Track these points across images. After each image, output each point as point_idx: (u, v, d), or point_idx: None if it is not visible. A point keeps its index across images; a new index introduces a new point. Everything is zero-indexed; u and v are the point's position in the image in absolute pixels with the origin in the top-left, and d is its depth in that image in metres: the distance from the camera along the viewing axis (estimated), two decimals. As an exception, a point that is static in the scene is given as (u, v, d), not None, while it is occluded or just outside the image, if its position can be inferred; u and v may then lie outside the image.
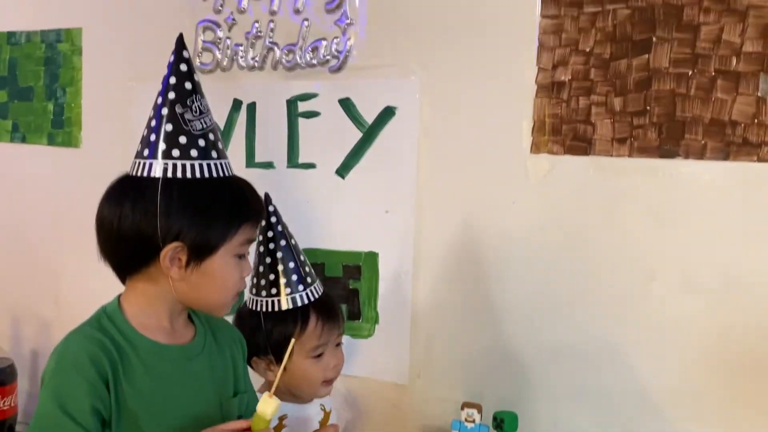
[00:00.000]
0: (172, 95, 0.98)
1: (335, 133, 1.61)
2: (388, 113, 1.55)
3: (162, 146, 0.97)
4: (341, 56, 1.60)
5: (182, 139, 0.96)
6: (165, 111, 0.98)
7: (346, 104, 1.60)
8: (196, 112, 0.99)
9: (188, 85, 0.99)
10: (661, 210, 1.29)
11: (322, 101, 1.63)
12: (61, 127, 2.02)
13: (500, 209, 1.44)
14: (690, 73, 1.25)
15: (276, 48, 1.67)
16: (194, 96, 0.99)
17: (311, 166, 1.65)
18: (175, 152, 0.96)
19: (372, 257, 1.59)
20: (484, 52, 1.44)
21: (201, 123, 0.99)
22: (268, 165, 1.70)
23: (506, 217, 1.44)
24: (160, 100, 0.99)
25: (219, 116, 1.72)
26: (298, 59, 1.64)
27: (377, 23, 1.56)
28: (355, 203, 1.60)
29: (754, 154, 1.21)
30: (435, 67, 1.50)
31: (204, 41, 1.76)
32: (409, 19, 1.52)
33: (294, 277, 1.24)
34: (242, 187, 1.02)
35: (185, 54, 1.01)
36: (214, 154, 0.99)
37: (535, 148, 1.39)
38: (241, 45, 1.71)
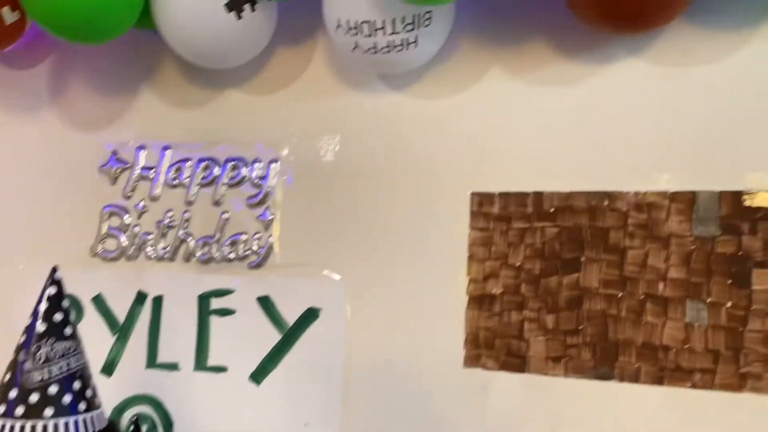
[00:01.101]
0: (23, 338, 0.88)
1: (251, 334, 1.49)
2: (310, 315, 1.46)
3: None
4: (262, 252, 1.51)
5: (12, 394, 0.86)
6: (11, 357, 0.89)
7: (265, 303, 1.49)
8: (40, 359, 0.87)
9: (41, 328, 0.89)
10: (600, 435, 1.24)
11: (239, 299, 1.52)
12: (-75, 311, 1.76)
13: (433, 424, 1.34)
14: (620, 294, 1.26)
15: (190, 239, 1.56)
16: (44, 341, 0.88)
17: (222, 369, 1.50)
18: (2, 408, 0.86)
19: (288, 477, 1.42)
20: (413, 255, 1.41)
21: (43, 373, 0.86)
22: (173, 366, 1.53)
23: (438, 435, 1.34)
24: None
25: (120, 309, 1.57)
26: (215, 253, 1.54)
27: (302, 220, 1.51)
28: (270, 414, 1.45)
29: (687, 380, 1.20)
30: (363, 268, 1.44)
31: (109, 227, 1.63)
32: (336, 219, 1.48)
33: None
34: None
35: (51, 290, 0.91)
36: (48, 411, 0.85)
37: (469, 361, 1.33)
38: (151, 234, 1.59)
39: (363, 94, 1.50)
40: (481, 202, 1.38)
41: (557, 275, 1.31)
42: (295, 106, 1.54)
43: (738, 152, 1.23)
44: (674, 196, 1.25)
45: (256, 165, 1.55)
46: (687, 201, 1.25)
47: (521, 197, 1.35)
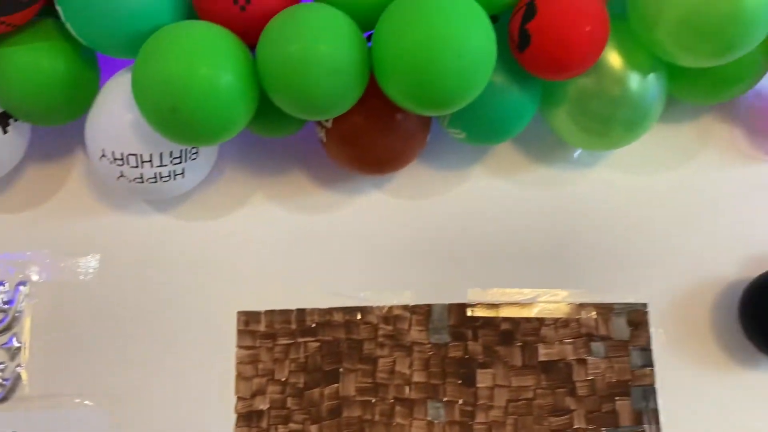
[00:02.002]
0: None
1: (-7, 479, 1.35)
2: (66, 449, 1.37)
3: None
4: (8, 384, 1.40)
5: None
6: None
7: (11, 441, 1.37)
8: None
9: None
10: None
11: (-22, 439, 1.37)
12: None
13: None
14: (373, 400, 1.42)
15: None
16: None
17: None
18: None
19: None
20: (179, 378, 1.42)
21: None
22: None
23: None
24: None
25: None
26: (-53, 389, 1.38)
27: (56, 347, 1.43)
28: None
29: (431, 473, 1.39)
30: (126, 394, 1.41)
31: None
32: (95, 344, 1.43)
33: None
34: None
35: None
36: None
37: (238, 480, 1.37)
38: None
39: (125, 215, 1.50)
40: (248, 320, 1.45)
41: (320, 387, 1.42)
42: (49, 226, 1.48)
43: (462, 271, 1.49)
44: (414, 309, 1.47)
45: (1, 288, 1.44)
46: (424, 313, 1.46)
47: (285, 314, 1.46)
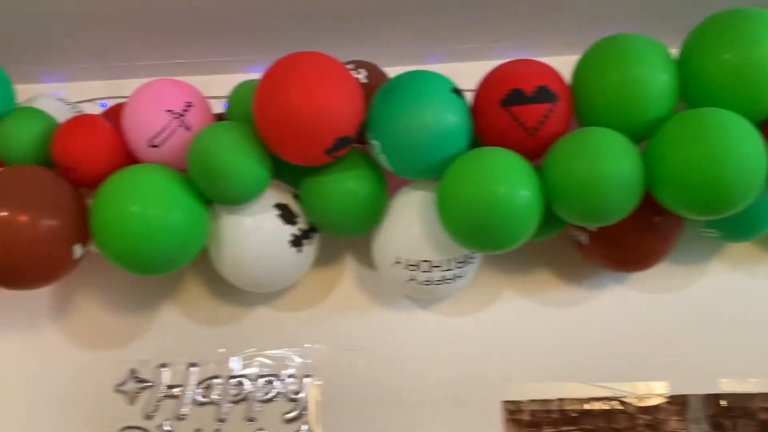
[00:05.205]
0: None
1: None
2: None
3: None
4: (302, 469, 1.55)
5: None
6: None
7: None
8: None
9: None
10: None
11: None
12: None
13: None
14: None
15: (225, 460, 1.57)
16: None
17: None
18: None
19: None
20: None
21: None
22: None
23: None
24: None
25: None
26: (252, 472, 1.55)
27: (340, 434, 1.59)
28: None
29: None
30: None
31: (133, 452, 1.58)
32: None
33: None
34: None
35: None
36: None
37: None
38: (181, 456, 1.57)
39: (392, 312, 1.67)
40: (513, 410, 1.57)
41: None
42: (326, 323, 1.67)
43: (711, 361, 1.56)
44: (671, 400, 1.54)
45: (290, 380, 1.63)
46: (681, 403, 1.54)
47: (546, 404, 1.57)
